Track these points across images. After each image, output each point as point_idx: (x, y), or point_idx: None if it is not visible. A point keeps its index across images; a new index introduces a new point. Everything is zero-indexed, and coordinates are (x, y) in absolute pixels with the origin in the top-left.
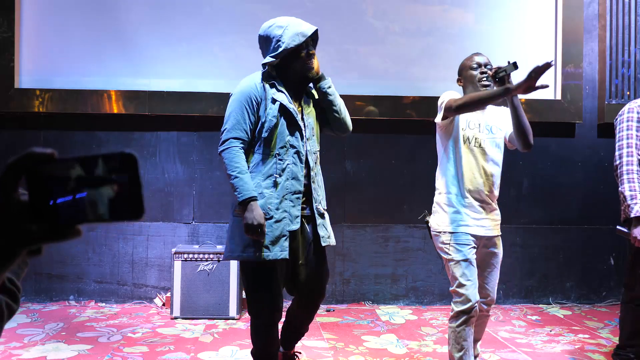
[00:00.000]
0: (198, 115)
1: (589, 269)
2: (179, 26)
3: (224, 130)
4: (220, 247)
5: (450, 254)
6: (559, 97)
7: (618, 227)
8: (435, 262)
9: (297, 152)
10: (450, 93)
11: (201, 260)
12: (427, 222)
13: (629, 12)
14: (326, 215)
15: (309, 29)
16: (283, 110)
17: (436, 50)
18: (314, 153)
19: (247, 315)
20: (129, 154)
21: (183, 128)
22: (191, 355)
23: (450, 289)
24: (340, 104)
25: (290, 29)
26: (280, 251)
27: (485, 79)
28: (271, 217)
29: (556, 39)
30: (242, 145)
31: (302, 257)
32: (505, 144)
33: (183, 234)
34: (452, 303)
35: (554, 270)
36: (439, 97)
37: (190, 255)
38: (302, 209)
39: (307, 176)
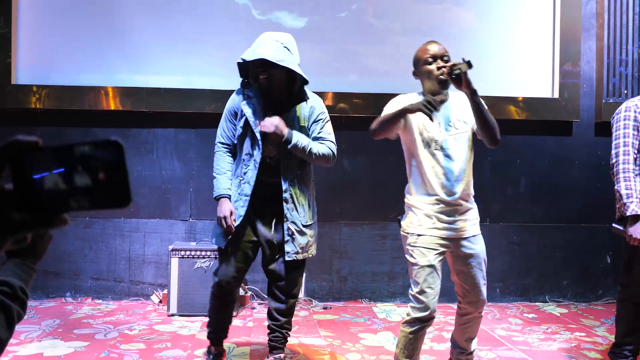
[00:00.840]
0: (195, 113)
1: (585, 268)
2: (177, 23)
3: (217, 136)
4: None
5: (415, 258)
6: (556, 95)
7: (614, 225)
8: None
9: (255, 162)
10: (393, 103)
11: (198, 258)
12: (399, 222)
13: (626, 10)
14: (304, 231)
15: (260, 53)
16: (247, 122)
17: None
18: (291, 170)
19: (243, 313)
20: (114, 141)
21: (180, 125)
22: (188, 352)
23: (410, 292)
24: (315, 159)
25: (254, 46)
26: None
27: (442, 74)
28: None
29: (554, 37)
30: (226, 148)
31: (267, 256)
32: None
33: (180, 231)
34: (409, 306)
35: (550, 269)
36: None
37: (187, 253)
38: (276, 215)
39: (278, 195)
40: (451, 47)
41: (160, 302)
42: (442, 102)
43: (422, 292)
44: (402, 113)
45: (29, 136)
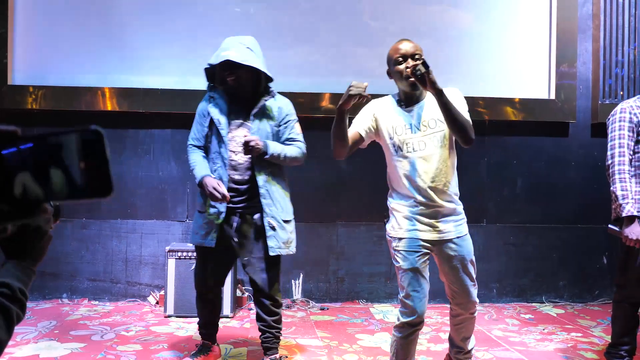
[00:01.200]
0: (192, 113)
1: (582, 268)
2: (173, 24)
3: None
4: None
5: (398, 262)
6: (552, 96)
7: (610, 225)
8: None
9: (223, 160)
10: (358, 115)
11: (195, 259)
12: (385, 224)
13: (622, 12)
14: (284, 226)
15: (225, 55)
16: (212, 122)
17: (432, 50)
18: (263, 167)
19: (240, 314)
20: (95, 130)
21: (177, 126)
22: (185, 353)
23: (399, 297)
24: (289, 162)
25: (218, 51)
26: (210, 240)
27: (410, 74)
28: (205, 211)
29: (550, 38)
30: (196, 145)
31: (244, 254)
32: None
33: (177, 232)
34: (398, 311)
35: (547, 269)
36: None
37: (184, 254)
38: (251, 213)
39: (254, 189)
40: (448, 48)
41: (157, 303)
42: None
43: (407, 296)
44: (339, 113)
45: (7, 125)
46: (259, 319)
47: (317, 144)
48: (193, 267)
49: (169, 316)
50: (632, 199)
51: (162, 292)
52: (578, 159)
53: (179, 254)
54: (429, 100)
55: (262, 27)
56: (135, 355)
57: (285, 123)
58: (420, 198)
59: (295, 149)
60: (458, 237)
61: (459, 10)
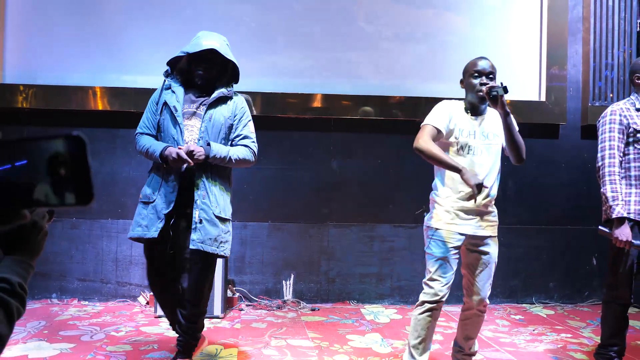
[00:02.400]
0: None
1: (572, 269)
2: (164, 23)
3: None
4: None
5: (431, 249)
6: (543, 98)
7: (600, 227)
8: (421, 262)
9: (177, 144)
10: (438, 110)
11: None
12: (424, 216)
13: (612, 15)
14: (215, 222)
15: (209, 45)
16: (167, 107)
17: (423, 52)
18: (208, 164)
19: (231, 314)
20: (76, 136)
21: None
22: (175, 354)
23: (423, 280)
24: (236, 164)
25: (196, 41)
26: (155, 231)
27: (481, 92)
28: (153, 201)
29: (541, 41)
30: (146, 133)
31: (179, 247)
32: (503, 150)
33: None
34: (421, 294)
35: (537, 270)
36: (425, 98)
37: None
38: (185, 207)
39: (191, 182)
40: (439, 50)
41: (147, 303)
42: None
43: (432, 279)
44: (455, 170)
45: None
46: (182, 319)
47: (308, 145)
48: None
49: (160, 316)
50: (622, 200)
51: (152, 293)
52: (568, 161)
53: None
54: (490, 114)
55: (251, 28)
56: (125, 356)
57: (239, 119)
58: (466, 195)
59: (244, 151)
60: (489, 237)
61: (450, 13)
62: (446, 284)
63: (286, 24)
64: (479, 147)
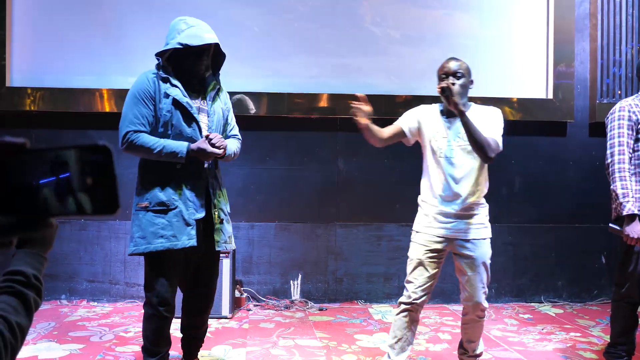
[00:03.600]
0: None
1: (580, 268)
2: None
3: (120, 127)
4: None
5: (409, 251)
6: (550, 96)
7: (611, 224)
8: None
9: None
10: (406, 114)
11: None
12: None
13: (620, 11)
14: (229, 219)
15: (210, 38)
16: (177, 105)
17: (429, 51)
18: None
19: (239, 315)
20: (103, 146)
21: None
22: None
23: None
24: (232, 158)
25: (194, 31)
26: (187, 239)
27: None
28: (175, 207)
29: (548, 38)
30: (141, 130)
31: (194, 252)
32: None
33: None
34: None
35: (545, 269)
36: (430, 97)
37: None
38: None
39: (206, 181)
40: (445, 49)
41: None
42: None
43: (407, 281)
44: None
45: (16, 138)
46: (192, 325)
47: (314, 145)
48: None
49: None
50: (632, 197)
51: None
52: (576, 159)
53: None
54: (471, 113)
55: (254, 33)
56: (134, 356)
57: (229, 108)
58: (442, 199)
59: (237, 143)
60: (475, 239)
61: (456, 11)
62: (420, 287)
63: (290, 26)
64: (453, 149)
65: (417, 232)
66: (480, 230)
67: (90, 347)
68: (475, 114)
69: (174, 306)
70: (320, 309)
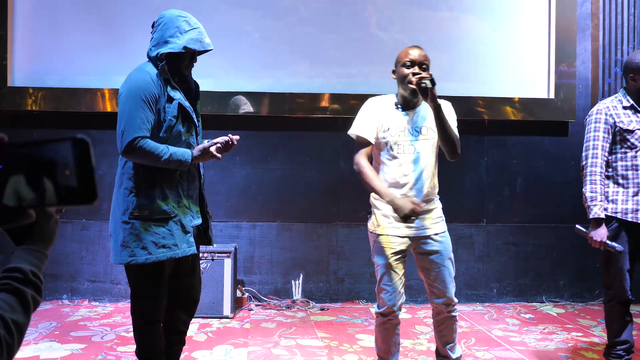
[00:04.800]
0: None
1: (582, 268)
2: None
3: (125, 130)
4: (214, 246)
5: (374, 257)
6: (552, 95)
7: (577, 226)
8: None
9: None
10: (366, 107)
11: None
12: (368, 220)
13: (622, 11)
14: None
15: (209, 43)
16: (180, 108)
17: (431, 51)
18: None
19: (241, 314)
20: (80, 138)
21: None
22: (185, 354)
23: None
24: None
25: (195, 35)
26: (188, 247)
27: (411, 82)
28: (175, 215)
29: (549, 37)
30: (147, 137)
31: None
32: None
33: None
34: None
35: (547, 269)
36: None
37: None
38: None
39: (199, 185)
40: (447, 48)
41: None
42: (417, 214)
43: (380, 289)
44: (386, 200)
45: None
46: (177, 330)
47: (316, 145)
48: (201, 268)
49: None
50: (600, 201)
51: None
52: (578, 158)
53: None
54: (424, 107)
55: (253, 39)
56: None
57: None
58: (402, 196)
59: None
60: (437, 234)
61: (457, 11)
62: (394, 292)
63: (292, 31)
64: (412, 144)
65: (378, 234)
66: (440, 223)
67: (91, 347)
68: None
69: (161, 315)
70: (322, 309)
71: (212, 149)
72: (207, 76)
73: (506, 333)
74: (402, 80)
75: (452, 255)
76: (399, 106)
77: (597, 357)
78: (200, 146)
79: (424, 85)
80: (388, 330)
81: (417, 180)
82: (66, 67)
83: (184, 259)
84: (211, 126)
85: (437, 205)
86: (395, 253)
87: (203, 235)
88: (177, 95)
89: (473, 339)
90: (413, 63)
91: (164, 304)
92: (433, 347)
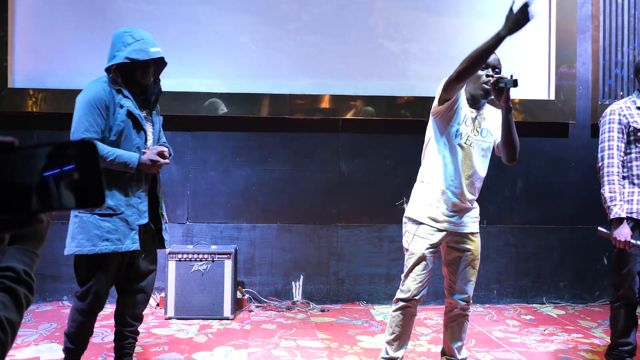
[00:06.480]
0: (192, 115)
1: (582, 269)
2: (172, 26)
3: (74, 132)
4: (214, 247)
5: (409, 245)
6: (552, 97)
7: (599, 228)
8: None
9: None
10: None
11: (195, 261)
12: (405, 205)
13: (622, 12)
14: (164, 223)
15: (157, 52)
16: (130, 115)
17: (431, 50)
18: None
19: (241, 316)
20: (88, 141)
21: (177, 128)
22: (185, 355)
23: (402, 275)
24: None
25: (140, 45)
26: (131, 243)
27: (487, 82)
28: (121, 212)
29: (550, 39)
30: (96, 138)
31: (141, 255)
32: (493, 149)
33: (177, 234)
34: (397, 291)
35: (547, 270)
36: (434, 98)
37: (185, 256)
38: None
39: (154, 182)
40: (447, 48)
41: (158, 305)
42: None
43: (407, 276)
44: (499, 39)
45: (4, 137)
46: (125, 323)
47: (316, 146)
48: (194, 269)
49: (170, 318)
50: (620, 201)
51: (162, 294)
52: (578, 160)
53: (179, 256)
54: (488, 111)
55: (259, 43)
56: (136, 357)
57: (161, 117)
58: (453, 191)
59: (170, 150)
60: (472, 233)
61: (455, 12)
62: (421, 283)
63: (294, 40)
64: (475, 141)
65: (420, 223)
66: (476, 224)
67: (91, 348)
68: (492, 115)
69: (103, 306)
70: (322, 310)
71: (156, 157)
72: (205, 78)
73: (506, 334)
74: (477, 79)
75: (479, 257)
76: (469, 102)
77: (598, 358)
78: (149, 155)
79: (502, 85)
80: (404, 318)
81: (470, 175)
82: (66, 68)
83: (141, 255)
84: (211, 128)
85: (476, 206)
86: (432, 245)
87: (157, 238)
88: (127, 103)
89: (473, 340)
90: (488, 65)
91: (105, 294)
92: (433, 348)
